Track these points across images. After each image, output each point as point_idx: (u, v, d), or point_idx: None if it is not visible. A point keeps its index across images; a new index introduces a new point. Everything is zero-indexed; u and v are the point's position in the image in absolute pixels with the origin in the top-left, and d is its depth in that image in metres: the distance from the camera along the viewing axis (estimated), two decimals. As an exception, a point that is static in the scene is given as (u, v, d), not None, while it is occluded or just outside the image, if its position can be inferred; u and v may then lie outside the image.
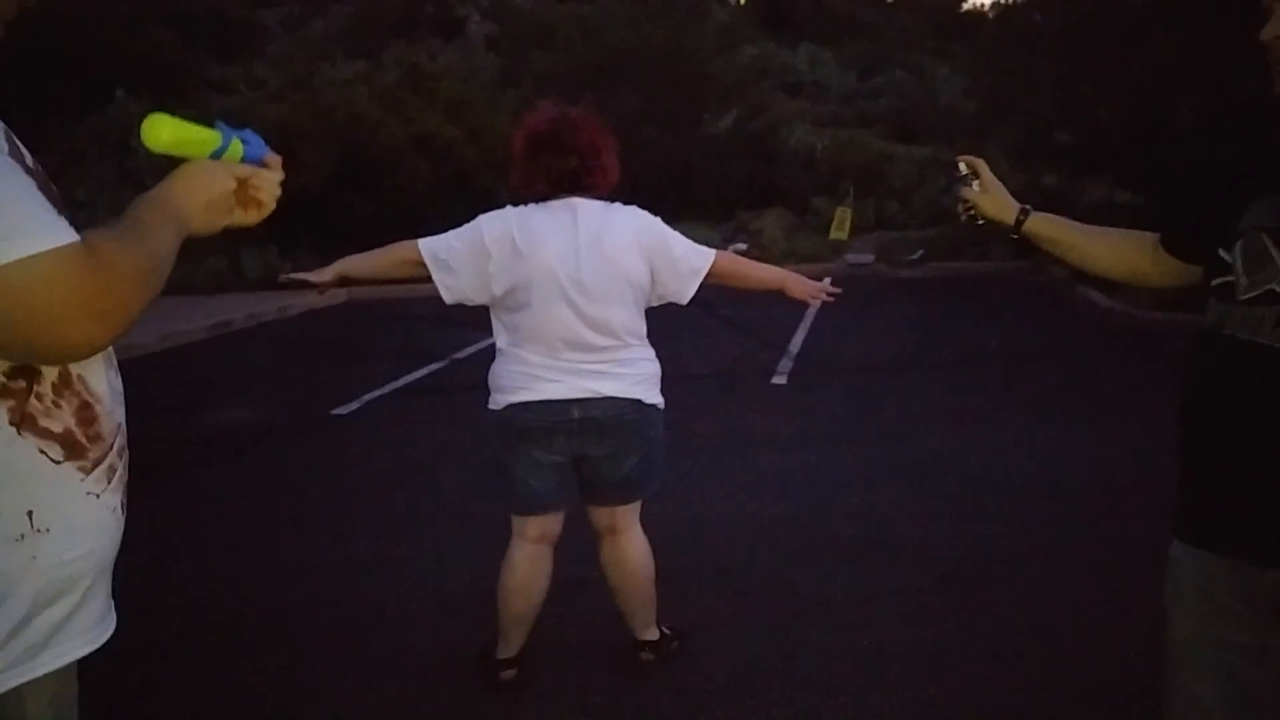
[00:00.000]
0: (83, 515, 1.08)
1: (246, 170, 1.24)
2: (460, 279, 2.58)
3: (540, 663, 2.83)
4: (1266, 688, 1.34)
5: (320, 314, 10.69)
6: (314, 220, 12.49)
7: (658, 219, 2.71)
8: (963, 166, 1.82)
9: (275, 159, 1.28)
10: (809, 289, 2.78)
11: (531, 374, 2.57)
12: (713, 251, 2.72)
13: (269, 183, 1.26)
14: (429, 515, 4.33)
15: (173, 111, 1.23)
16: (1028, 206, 1.77)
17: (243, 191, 1.24)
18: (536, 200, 2.64)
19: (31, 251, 0.91)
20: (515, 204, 2.66)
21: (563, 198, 2.63)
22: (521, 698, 2.71)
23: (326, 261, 2.68)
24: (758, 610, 3.23)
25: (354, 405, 6.50)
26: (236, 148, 1.23)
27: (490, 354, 2.69)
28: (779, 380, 6.92)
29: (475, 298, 2.62)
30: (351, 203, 12.72)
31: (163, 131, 1.14)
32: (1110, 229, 1.76)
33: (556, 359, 2.56)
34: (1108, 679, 2.71)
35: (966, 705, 2.65)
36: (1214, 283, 1.36)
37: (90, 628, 1.13)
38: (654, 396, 2.68)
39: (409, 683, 2.84)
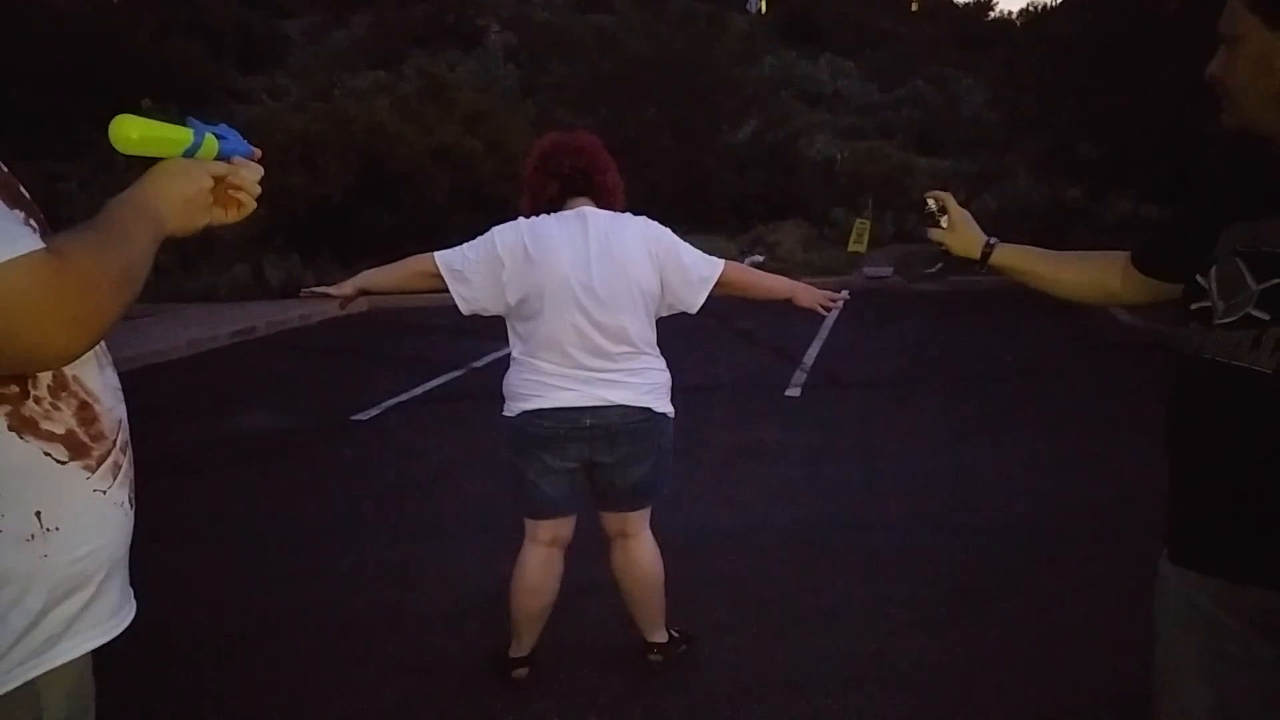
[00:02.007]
0: (91, 512, 1.10)
1: (223, 168, 1.20)
2: (475, 289, 2.66)
3: (552, 662, 2.90)
4: (1254, 697, 1.35)
5: (340, 322, 10.81)
6: (335, 229, 12.65)
7: (667, 229, 2.78)
8: (931, 204, 1.81)
9: (254, 153, 1.25)
10: (818, 298, 2.83)
11: (545, 382, 2.63)
12: (721, 261, 2.79)
13: (247, 180, 1.23)
14: (445, 519, 4.40)
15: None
16: (993, 240, 1.77)
17: (221, 190, 1.21)
18: (549, 206, 2.72)
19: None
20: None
21: (575, 202, 2.71)
22: (533, 696, 2.78)
23: (347, 270, 2.77)
24: (765, 617, 3.27)
25: (373, 412, 6.59)
26: (211, 144, 1.20)
27: (506, 363, 2.77)
28: (792, 392, 6.96)
29: (490, 308, 2.70)
30: (371, 213, 12.86)
31: (131, 131, 1.10)
32: (1077, 253, 1.77)
33: (569, 367, 2.63)
34: (1113, 691, 2.74)
35: (971, 714, 2.68)
36: (1192, 307, 1.38)
37: (105, 619, 1.14)
38: (664, 405, 2.74)
39: (424, 680, 2.91)
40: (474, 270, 2.64)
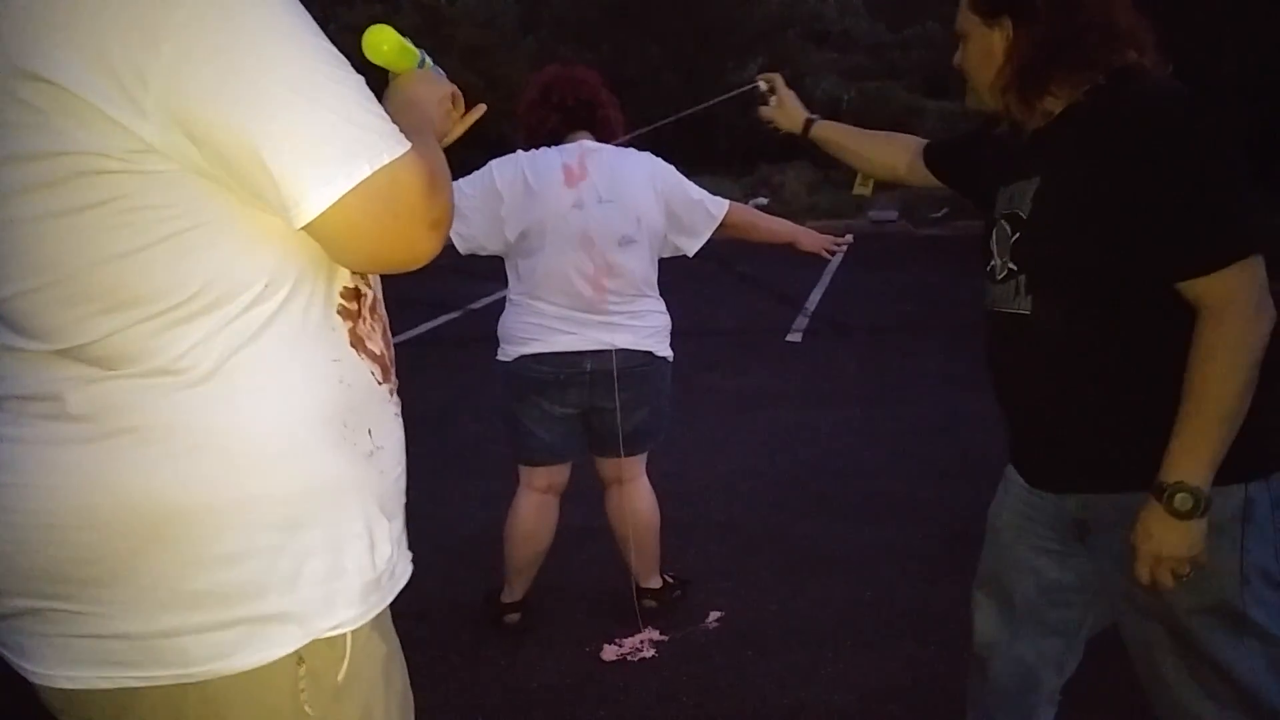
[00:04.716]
0: (396, 435, 1.08)
1: (452, 86, 1.22)
2: (473, 226, 2.57)
3: (544, 608, 2.88)
4: (1068, 590, 1.62)
5: (338, 260, 10.72)
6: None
7: (671, 166, 2.69)
8: (762, 85, 2.06)
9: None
10: (821, 242, 2.78)
11: (545, 325, 2.57)
12: (726, 201, 2.73)
13: (461, 101, 1.24)
14: (440, 463, 4.37)
15: None
16: (815, 116, 2.05)
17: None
18: (549, 140, 2.62)
19: (396, 155, 0.86)
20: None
21: (575, 135, 2.62)
22: (525, 641, 2.76)
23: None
24: (761, 563, 3.25)
25: (369, 352, 6.53)
26: (428, 68, 1.23)
27: (503, 306, 2.69)
28: (794, 338, 6.91)
29: (489, 245, 2.61)
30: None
31: (384, 42, 1.13)
32: (885, 132, 2.04)
33: (570, 309, 2.55)
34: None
35: (967, 662, 2.66)
36: (986, 269, 1.59)
37: (407, 552, 1.11)
38: (665, 349, 2.69)
39: (416, 625, 2.87)
40: (471, 206, 2.56)
